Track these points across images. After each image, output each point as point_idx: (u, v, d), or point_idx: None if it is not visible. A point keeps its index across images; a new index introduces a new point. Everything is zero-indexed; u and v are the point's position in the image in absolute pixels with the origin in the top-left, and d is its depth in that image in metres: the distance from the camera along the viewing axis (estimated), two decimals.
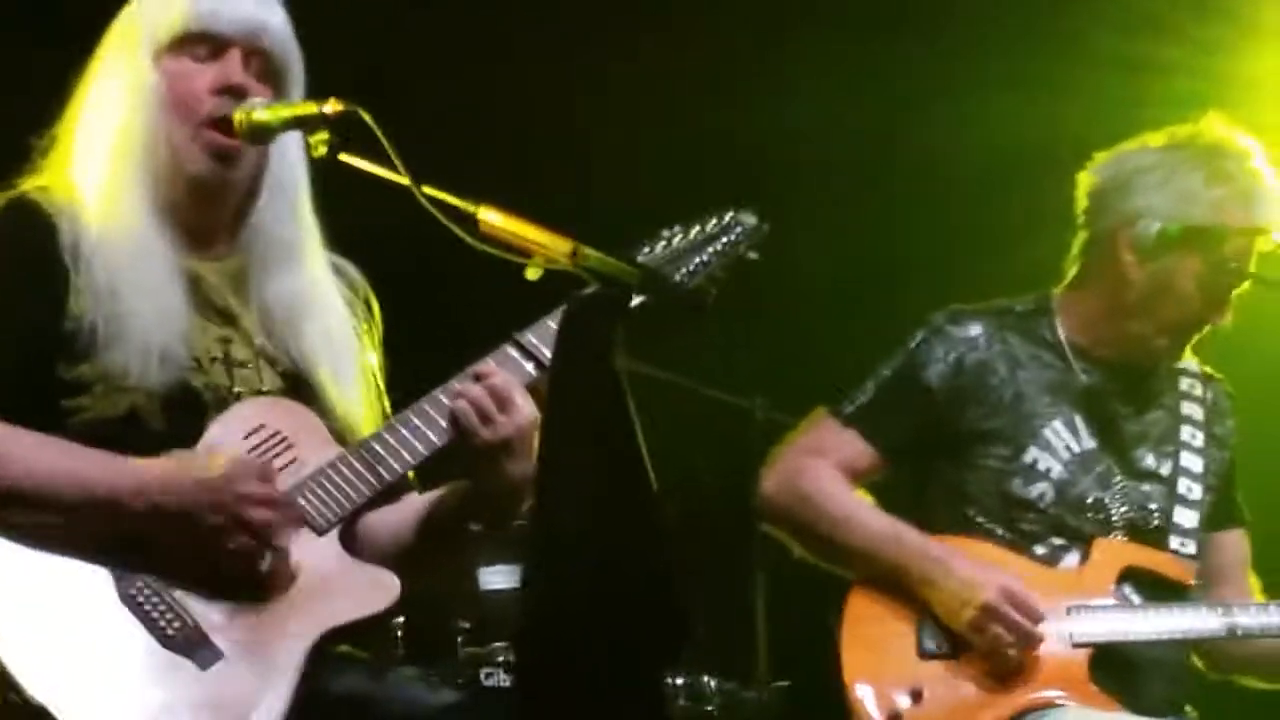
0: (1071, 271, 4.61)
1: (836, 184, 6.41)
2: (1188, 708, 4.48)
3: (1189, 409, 4.61)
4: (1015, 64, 5.92)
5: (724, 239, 3.83)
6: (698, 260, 3.79)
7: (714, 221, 3.84)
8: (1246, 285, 4.44)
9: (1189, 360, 4.66)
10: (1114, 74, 4.77)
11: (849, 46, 6.38)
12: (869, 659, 4.35)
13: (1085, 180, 4.58)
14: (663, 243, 3.80)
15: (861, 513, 4.46)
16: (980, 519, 4.45)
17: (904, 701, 4.29)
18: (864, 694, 4.31)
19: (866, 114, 6.39)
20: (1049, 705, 4.26)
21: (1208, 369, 4.70)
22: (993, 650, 4.27)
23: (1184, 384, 4.63)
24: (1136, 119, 4.63)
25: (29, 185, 3.60)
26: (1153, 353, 4.54)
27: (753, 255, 3.85)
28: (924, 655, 4.34)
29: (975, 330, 4.52)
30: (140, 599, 3.34)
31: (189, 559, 3.36)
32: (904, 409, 4.51)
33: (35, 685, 3.22)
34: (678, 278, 3.73)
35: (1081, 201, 4.58)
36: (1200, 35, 5.98)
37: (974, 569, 4.29)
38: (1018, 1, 6.17)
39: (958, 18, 6.26)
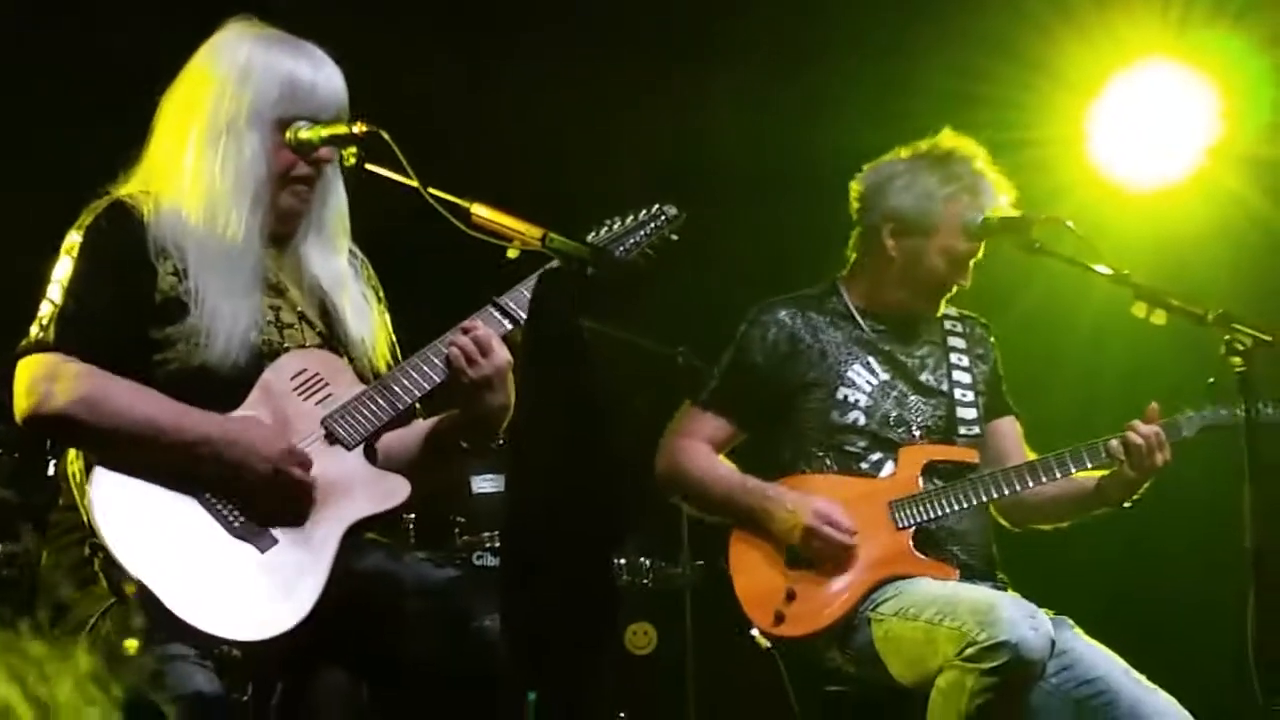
0: (851, 258, 4.64)
1: (741, 182, 6.43)
2: (999, 574, 4.49)
3: (953, 341, 4.65)
4: (871, 98, 5.97)
5: (652, 224, 3.88)
6: (632, 240, 3.83)
7: (645, 211, 3.88)
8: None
9: (949, 309, 4.69)
10: (948, 106, 4.78)
11: (754, 74, 6.42)
12: (751, 576, 4.39)
13: (854, 186, 4.62)
14: (606, 228, 3.84)
15: (720, 473, 4.49)
16: (817, 452, 4.46)
17: (783, 602, 4.32)
18: (752, 602, 4.35)
19: (764, 132, 6.42)
20: (890, 579, 4.29)
21: (966, 312, 4.73)
22: (822, 555, 4.31)
23: (947, 325, 4.67)
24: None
25: (123, 190, 3.58)
26: (915, 310, 4.59)
27: (674, 237, 3.90)
28: (791, 566, 4.36)
29: (782, 313, 4.54)
30: (214, 500, 3.35)
31: (242, 491, 3.37)
32: (742, 386, 4.53)
33: (134, 565, 3.22)
34: (619, 254, 3.75)
35: (853, 202, 4.62)
36: (1006, 74, 6.07)
37: (796, 500, 4.33)
38: (876, 50, 6.23)
39: (827, 65, 6.31)
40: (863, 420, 4.45)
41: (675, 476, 4.52)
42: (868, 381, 4.49)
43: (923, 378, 4.56)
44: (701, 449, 4.50)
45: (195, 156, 3.55)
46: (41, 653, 1.89)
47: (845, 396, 4.46)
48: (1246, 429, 4.02)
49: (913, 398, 4.51)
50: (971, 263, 4.50)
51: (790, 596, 4.31)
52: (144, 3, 5.72)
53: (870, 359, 4.52)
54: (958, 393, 4.56)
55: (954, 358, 4.61)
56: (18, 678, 1.86)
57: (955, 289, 4.54)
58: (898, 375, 4.52)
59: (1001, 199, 4.49)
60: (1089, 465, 4.39)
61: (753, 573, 4.38)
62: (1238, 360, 4.03)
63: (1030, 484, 4.39)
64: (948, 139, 4.55)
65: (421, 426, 3.73)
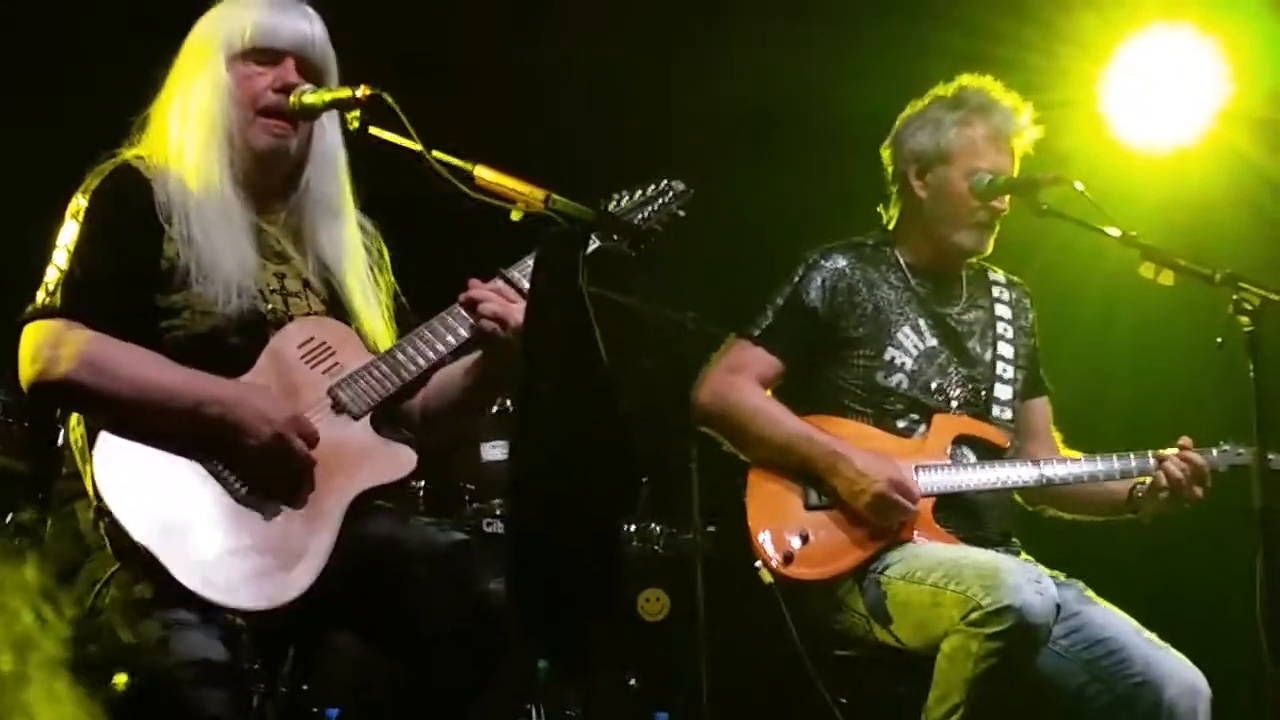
0: (895, 211, 4.62)
1: (750, 144, 6.43)
2: (1014, 539, 4.47)
3: (1000, 309, 4.63)
4: (884, 59, 5.95)
5: (660, 200, 3.82)
6: (639, 216, 3.78)
7: (653, 186, 3.84)
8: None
9: (997, 271, 4.68)
10: (960, 67, 4.76)
11: (761, 34, 6.42)
12: (767, 511, 4.34)
13: (883, 150, 4.63)
14: (614, 201, 3.79)
15: (781, 416, 4.42)
16: (854, 405, 4.44)
17: (795, 542, 4.29)
18: (764, 537, 4.31)
19: (773, 92, 6.41)
20: (904, 541, 4.27)
21: (1012, 276, 4.72)
22: (886, 522, 4.27)
23: (995, 290, 4.66)
24: None
25: (130, 153, 3.56)
26: (961, 250, 4.53)
27: (681, 213, 3.85)
28: (810, 508, 4.33)
29: (841, 262, 4.51)
30: (220, 467, 3.33)
31: (246, 457, 3.34)
32: (796, 326, 4.47)
33: (139, 531, 3.20)
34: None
35: (885, 166, 4.63)
36: (1019, 36, 6.04)
37: (868, 462, 4.28)
38: (890, 10, 6.21)
39: (839, 25, 6.30)
40: (905, 384, 4.43)
41: (722, 409, 4.44)
42: (915, 345, 4.46)
43: (969, 345, 4.53)
44: (752, 386, 4.44)
45: (178, 111, 3.56)
46: None
47: (892, 359, 4.44)
48: (1256, 409, 4.00)
49: (954, 367, 4.49)
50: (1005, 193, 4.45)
51: (804, 538, 4.28)
52: None
53: (920, 321, 4.49)
54: (999, 366, 4.54)
55: (1000, 327, 4.59)
56: None
57: (995, 224, 4.48)
58: (945, 341, 4.50)
59: (1020, 119, 4.49)
60: (1133, 476, 4.41)
61: (769, 509, 4.33)
62: (1245, 320, 4.01)
63: (1068, 483, 4.40)
64: (961, 79, 4.57)
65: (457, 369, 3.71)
